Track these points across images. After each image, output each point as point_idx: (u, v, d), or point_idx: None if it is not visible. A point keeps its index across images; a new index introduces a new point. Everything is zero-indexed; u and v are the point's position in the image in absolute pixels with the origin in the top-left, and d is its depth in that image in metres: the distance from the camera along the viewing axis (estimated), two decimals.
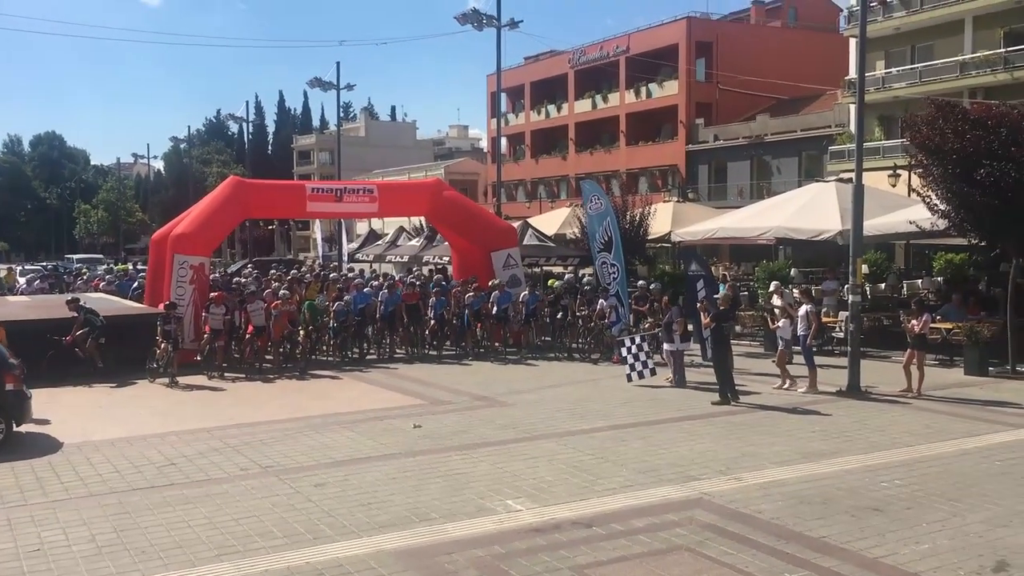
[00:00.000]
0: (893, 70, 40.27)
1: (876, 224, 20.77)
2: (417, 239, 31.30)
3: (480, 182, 77.48)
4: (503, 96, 39.60)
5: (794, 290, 20.52)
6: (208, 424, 13.70)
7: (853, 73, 40.65)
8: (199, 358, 19.17)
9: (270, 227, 77.11)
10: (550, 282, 25.66)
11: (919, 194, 18.86)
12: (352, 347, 21.18)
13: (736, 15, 64.47)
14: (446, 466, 11.08)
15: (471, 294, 21.45)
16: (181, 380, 17.51)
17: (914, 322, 15.94)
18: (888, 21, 39.60)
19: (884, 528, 8.59)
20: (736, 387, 15.46)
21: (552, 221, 34.39)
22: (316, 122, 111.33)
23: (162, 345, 17.84)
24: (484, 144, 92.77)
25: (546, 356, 21.17)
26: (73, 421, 13.97)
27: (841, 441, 12.29)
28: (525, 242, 26.78)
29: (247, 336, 19.21)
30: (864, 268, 19.16)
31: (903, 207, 22.49)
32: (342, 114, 57.16)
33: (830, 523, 8.75)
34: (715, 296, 17.25)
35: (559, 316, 22.08)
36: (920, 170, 18.50)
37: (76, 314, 18.15)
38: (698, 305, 17.54)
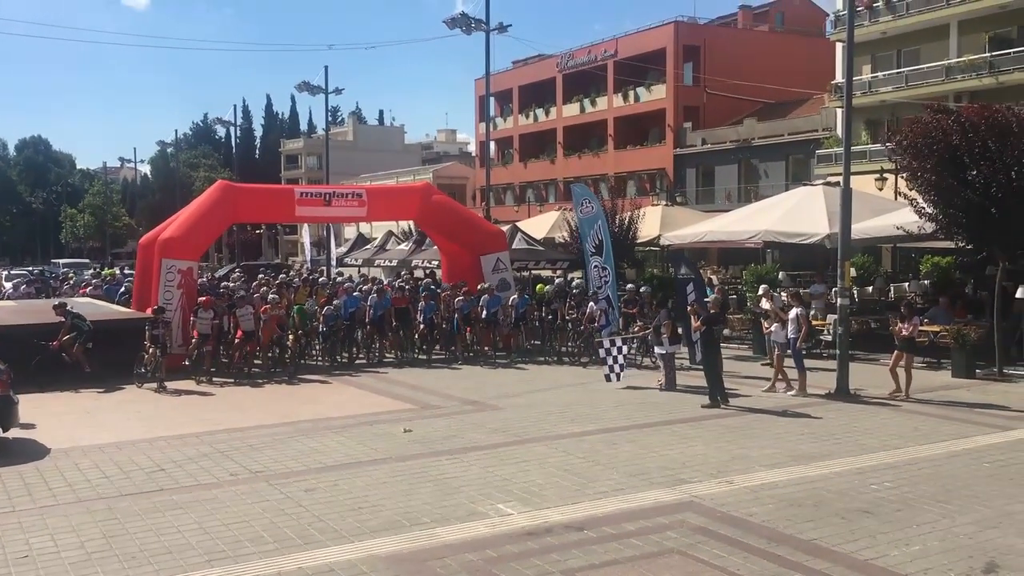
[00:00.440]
0: (879, 74, 40.50)
1: (863, 227, 20.88)
2: (406, 243, 31.29)
3: (468, 186, 77.55)
4: (491, 100, 39.56)
5: (782, 293, 20.60)
6: (197, 429, 13.64)
7: (840, 77, 40.89)
8: (187, 363, 19.11)
9: (258, 231, 76.85)
10: (538, 287, 25.66)
11: (907, 197, 18.97)
12: (341, 351, 21.13)
13: (723, 19, 64.73)
14: (437, 470, 11.06)
15: (461, 298, 21.43)
16: (169, 385, 17.43)
17: (902, 325, 16.01)
18: (874, 25, 39.83)
19: (875, 530, 8.62)
20: (726, 390, 15.48)
21: (541, 225, 34.44)
22: (304, 126, 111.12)
23: (150, 350, 17.75)
24: (472, 148, 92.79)
25: (536, 360, 21.17)
26: (61, 426, 13.88)
27: (831, 444, 12.33)
28: (514, 246, 26.79)
29: (236, 341, 19.14)
30: (852, 271, 19.23)
31: (890, 210, 22.62)
32: (330, 118, 57.09)
33: (821, 525, 8.78)
34: (705, 299, 17.28)
35: (549, 319, 22.08)
36: (907, 173, 18.59)
37: (63, 319, 18.05)
38: (688, 308, 17.56)
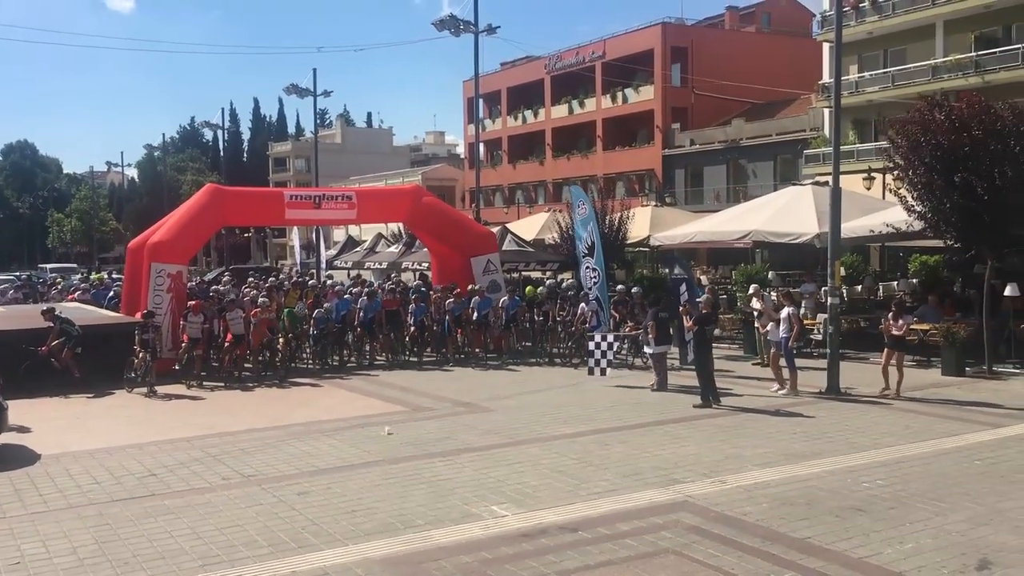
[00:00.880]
0: (866, 74, 40.70)
1: (852, 226, 20.96)
2: (396, 245, 31.22)
3: (457, 188, 77.54)
4: (480, 101, 39.57)
5: (772, 293, 20.66)
6: (188, 434, 13.58)
7: (827, 77, 41.08)
8: (177, 367, 19.01)
9: (246, 235, 76.68)
10: (528, 289, 25.66)
11: (897, 195, 19.04)
12: (332, 354, 21.08)
13: (710, 20, 64.93)
14: (430, 472, 11.04)
15: (451, 300, 21.41)
16: (159, 390, 17.36)
17: (893, 324, 16.09)
18: (861, 26, 40.02)
19: (868, 528, 8.65)
20: (718, 390, 15.51)
21: (531, 226, 34.44)
22: (291, 129, 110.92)
23: (140, 354, 17.65)
24: (461, 150, 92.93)
25: (527, 361, 21.17)
26: (50, 432, 13.79)
27: (823, 442, 12.36)
28: (504, 247, 26.77)
29: (226, 344, 19.07)
30: (841, 271, 19.32)
31: (878, 209, 22.72)
32: (318, 121, 56.94)
33: (814, 524, 8.80)
34: (697, 300, 17.31)
35: (540, 321, 22.08)
36: (897, 172, 18.67)
37: (52, 324, 17.95)
38: (680, 309, 17.61)
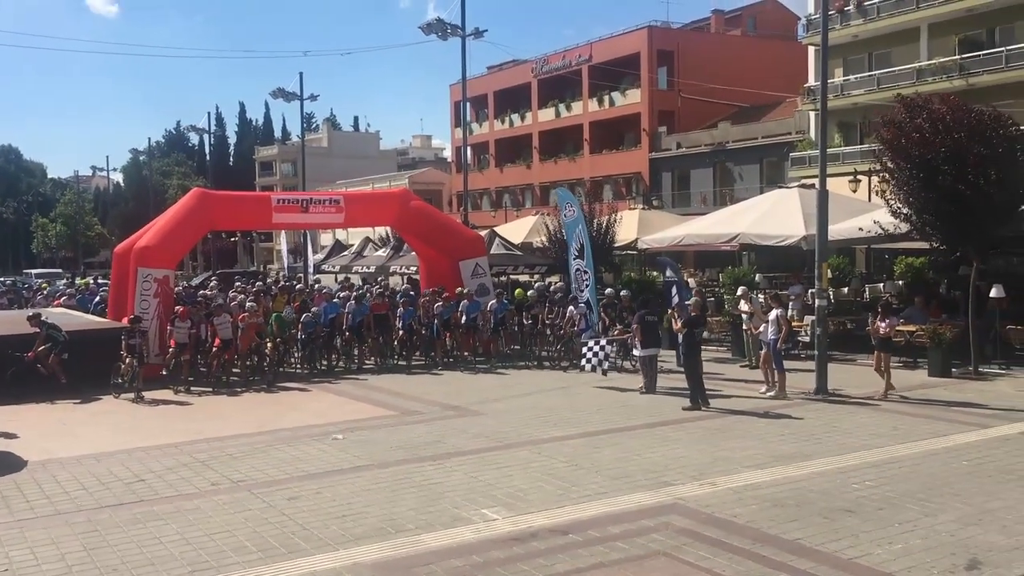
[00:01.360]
0: (851, 77, 40.91)
1: (838, 229, 21.04)
2: (383, 249, 31.20)
3: (444, 192, 77.54)
4: (467, 105, 39.59)
5: (759, 295, 20.73)
6: (176, 439, 13.50)
7: (812, 80, 41.31)
8: (165, 372, 18.92)
9: (233, 239, 76.39)
10: (517, 292, 25.66)
11: (882, 197, 19.13)
12: (320, 359, 21.02)
13: (696, 24, 65.15)
14: (420, 476, 11.02)
15: (440, 304, 21.38)
16: (147, 395, 17.26)
17: (880, 325, 16.17)
18: (846, 29, 40.24)
19: (857, 529, 8.68)
20: (707, 392, 15.54)
21: (519, 230, 34.43)
22: (278, 133, 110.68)
23: (127, 360, 17.56)
24: (448, 154, 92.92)
25: (516, 365, 21.16)
26: (37, 438, 13.70)
27: (812, 444, 12.41)
28: (492, 251, 26.77)
29: (214, 349, 18.99)
30: (828, 272, 19.40)
31: (864, 212, 22.82)
32: (305, 125, 56.76)
33: (804, 525, 8.83)
34: (686, 302, 17.35)
35: (528, 324, 22.07)
36: (883, 174, 18.76)
37: (38, 330, 17.83)
38: (670, 311, 17.64)
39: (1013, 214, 17.80)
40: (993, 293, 18.80)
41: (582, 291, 20.19)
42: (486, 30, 33.92)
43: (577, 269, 20.82)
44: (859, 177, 30.91)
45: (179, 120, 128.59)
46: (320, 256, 37.28)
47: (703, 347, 16.96)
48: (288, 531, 8.98)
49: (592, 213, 29.24)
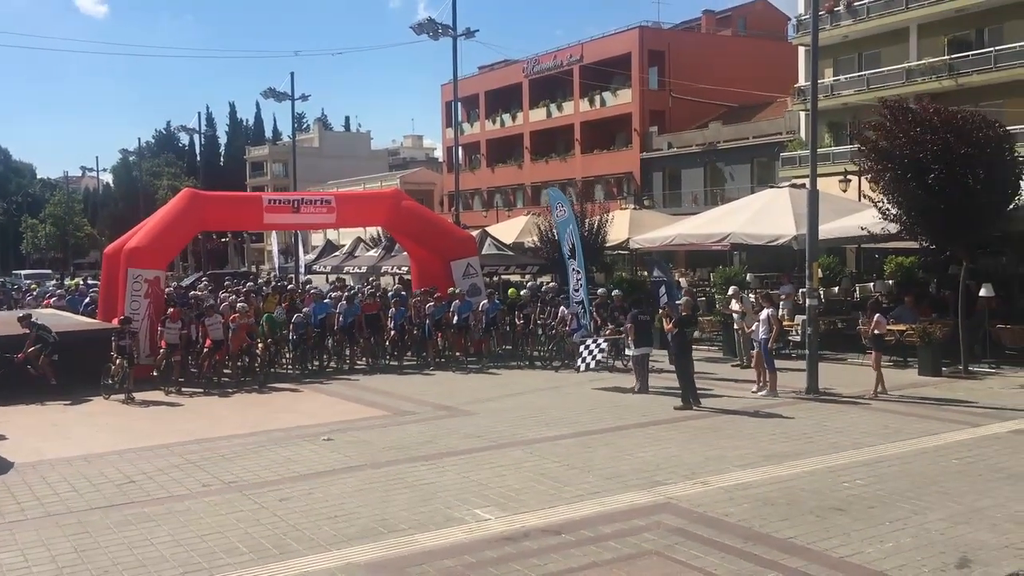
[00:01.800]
0: (841, 77, 41.06)
1: (829, 228, 21.10)
2: (375, 249, 31.13)
3: (436, 192, 77.46)
4: (458, 105, 39.58)
5: (750, 295, 20.78)
6: (167, 440, 13.46)
7: (803, 81, 41.44)
8: (155, 373, 18.86)
9: (223, 239, 76.12)
10: (511, 291, 25.66)
11: (870, 199, 19.21)
12: (312, 359, 20.99)
13: (687, 24, 65.27)
14: (412, 476, 11.01)
15: (431, 304, 21.37)
16: (137, 396, 17.20)
17: (869, 323, 16.26)
18: (836, 29, 40.40)
19: (848, 528, 8.71)
20: (698, 392, 15.58)
21: (510, 230, 34.41)
22: (269, 133, 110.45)
23: (117, 361, 17.50)
24: (439, 154, 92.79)
25: (508, 365, 21.16)
26: (26, 440, 13.65)
27: (803, 443, 12.45)
28: (484, 251, 26.76)
29: (205, 350, 18.94)
30: (818, 272, 19.46)
31: (854, 212, 22.90)
32: (296, 125, 56.72)
33: (796, 524, 8.86)
34: (676, 302, 17.39)
35: (520, 323, 22.07)
36: (871, 175, 18.83)
37: (28, 331, 17.76)
38: (660, 311, 17.67)
39: (1001, 214, 17.90)
40: (983, 292, 18.88)
41: (576, 291, 20.20)
42: (477, 30, 34.01)
43: (572, 269, 20.82)
44: (849, 177, 31.03)
45: (169, 120, 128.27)
46: (311, 256, 37.16)
47: (694, 347, 17.00)
48: (280, 532, 8.96)
49: (583, 213, 29.30)
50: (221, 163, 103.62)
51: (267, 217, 23.10)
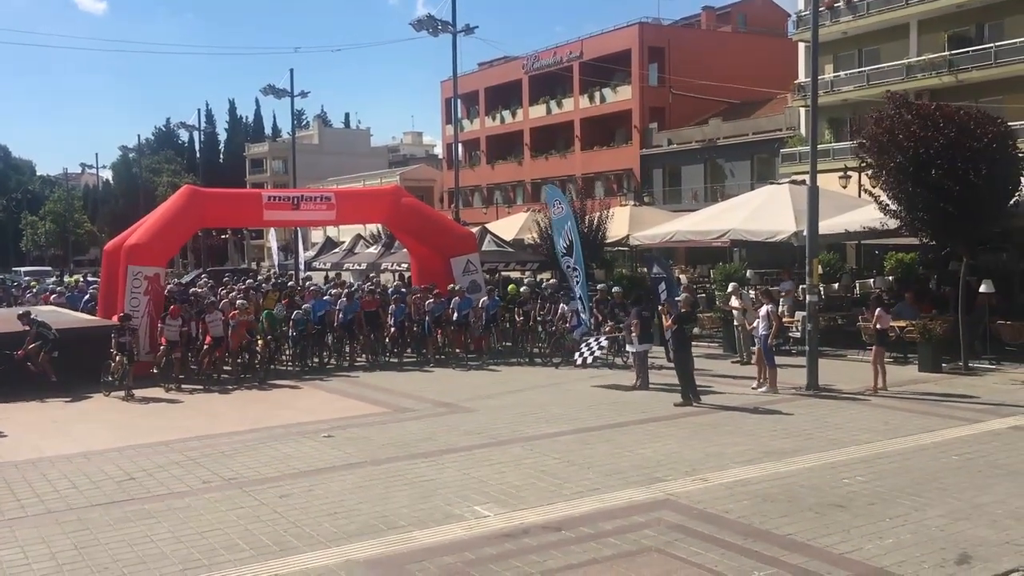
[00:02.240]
0: (841, 73, 41.02)
1: (829, 224, 21.08)
2: (375, 246, 31.14)
3: (435, 188, 77.42)
4: (458, 102, 39.55)
5: (750, 291, 20.78)
6: (167, 437, 13.46)
7: (803, 77, 41.40)
8: (155, 370, 18.86)
9: (223, 236, 76.09)
10: (511, 288, 25.65)
11: (871, 194, 19.20)
12: (312, 356, 20.99)
13: (687, 20, 65.21)
14: (412, 473, 11.01)
15: (431, 300, 21.36)
16: (137, 393, 17.19)
17: (865, 320, 16.28)
18: (836, 25, 40.35)
19: (848, 524, 8.71)
20: (698, 388, 15.57)
21: (510, 226, 34.44)
22: (268, 130, 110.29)
23: (117, 358, 17.49)
24: (439, 151, 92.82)
25: (508, 361, 21.16)
26: (27, 437, 13.66)
27: (803, 439, 12.45)
28: (484, 248, 26.76)
29: (205, 347, 18.94)
30: (818, 268, 19.46)
31: (854, 208, 22.89)
32: (295, 121, 56.70)
33: (796, 520, 8.85)
34: (676, 299, 17.38)
35: (520, 320, 22.07)
36: (871, 171, 18.81)
37: (28, 327, 17.76)
38: (660, 308, 17.67)
39: (1003, 210, 17.88)
40: (983, 288, 18.88)
41: (575, 287, 20.18)
42: (477, 26, 33.85)
43: (568, 266, 20.81)
44: (849, 173, 30.99)
45: (169, 117, 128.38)
46: (311, 253, 37.17)
47: (694, 343, 17.00)
48: (280, 529, 8.96)
49: (584, 210, 29.29)
50: (221, 160, 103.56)
51: (267, 214, 23.10)
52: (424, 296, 21.70)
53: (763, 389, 16.26)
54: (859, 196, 27.83)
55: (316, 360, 21.03)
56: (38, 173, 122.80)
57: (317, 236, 55.46)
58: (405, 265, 27.23)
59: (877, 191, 18.76)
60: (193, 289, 23.65)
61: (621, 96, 58.06)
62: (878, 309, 16.58)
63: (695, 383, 15.58)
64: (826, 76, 40.23)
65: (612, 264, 32.13)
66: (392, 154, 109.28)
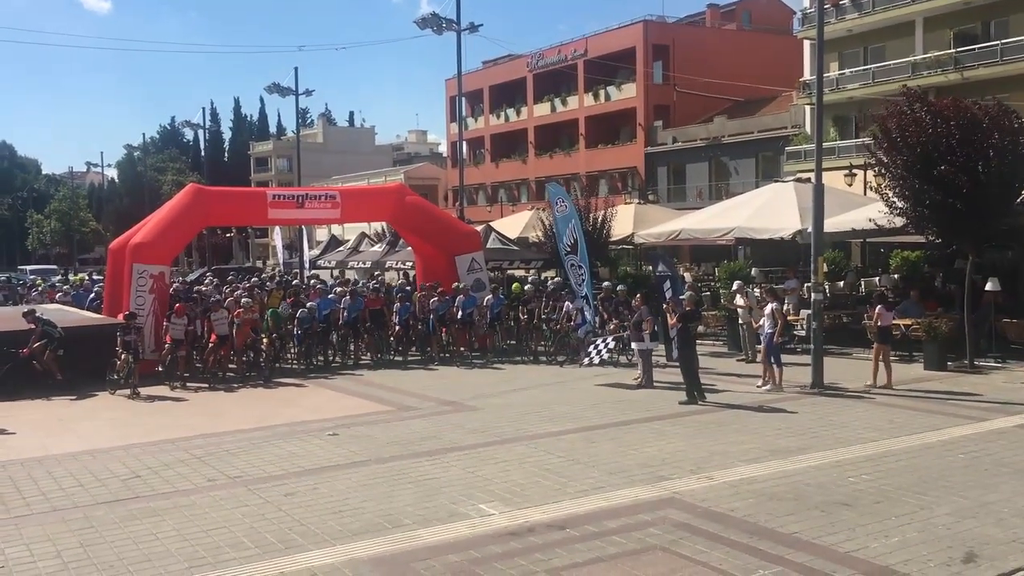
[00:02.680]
0: (846, 71, 40.92)
1: (834, 222, 21.02)
2: (379, 244, 31.13)
3: (440, 187, 77.38)
4: (462, 100, 39.53)
5: (755, 289, 20.74)
6: (172, 435, 13.49)
7: (808, 75, 41.30)
8: (161, 368, 18.88)
9: (228, 235, 76.23)
10: (515, 286, 25.64)
11: (877, 191, 19.14)
12: (316, 354, 21.00)
13: (691, 18, 65.10)
14: (417, 472, 11.01)
15: (436, 299, 21.36)
16: (143, 391, 17.22)
17: (876, 316, 16.27)
18: (841, 23, 40.24)
19: (854, 522, 8.69)
20: (703, 386, 15.55)
21: (515, 224, 34.42)
22: (273, 128, 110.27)
23: (122, 356, 17.53)
24: (443, 149, 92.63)
25: (512, 360, 21.15)
26: (33, 435, 13.69)
27: (808, 438, 12.42)
28: (488, 246, 26.75)
29: (210, 345, 18.96)
30: (823, 266, 19.42)
31: (860, 205, 22.83)
32: (300, 120, 56.65)
33: (801, 519, 8.84)
34: (680, 297, 17.37)
35: (524, 318, 22.05)
36: (878, 168, 18.75)
37: (33, 326, 17.80)
38: (664, 306, 17.66)
39: (1009, 207, 17.81)
40: (988, 287, 18.82)
41: (580, 285, 20.17)
42: (481, 24, 33.85)
43: (571, 264, 20.80)
44: (854, 171, 30.94)
45: (173, 116, 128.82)
46: (316, 252, 37.17)
47: (699, 342, 16.98)
48: (285, 527, 8.97)
49: (588, 208, 29.26)
50: (225, 158, 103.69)
51: (271, 212, 23.14)
52: (428, 294, 21.69)
53: (768, 387, 16.23)
54: (864, 194, 27.78)
55: (321, 358, 21.03)
56: (43, 172, 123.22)
57: (322, 234, 55.48)
58: (409, 263, 27.23)
59: (883, 187, 18.68)
60: (198, 287, 23.68)
61: (625, 94, 57.98)
62: (879, 306, 16.55)
63: (700, 381, 15.55)
64: (831, 74, 40.10)
65: (617, 262, 32.10)
66: (396, 152, 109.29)
